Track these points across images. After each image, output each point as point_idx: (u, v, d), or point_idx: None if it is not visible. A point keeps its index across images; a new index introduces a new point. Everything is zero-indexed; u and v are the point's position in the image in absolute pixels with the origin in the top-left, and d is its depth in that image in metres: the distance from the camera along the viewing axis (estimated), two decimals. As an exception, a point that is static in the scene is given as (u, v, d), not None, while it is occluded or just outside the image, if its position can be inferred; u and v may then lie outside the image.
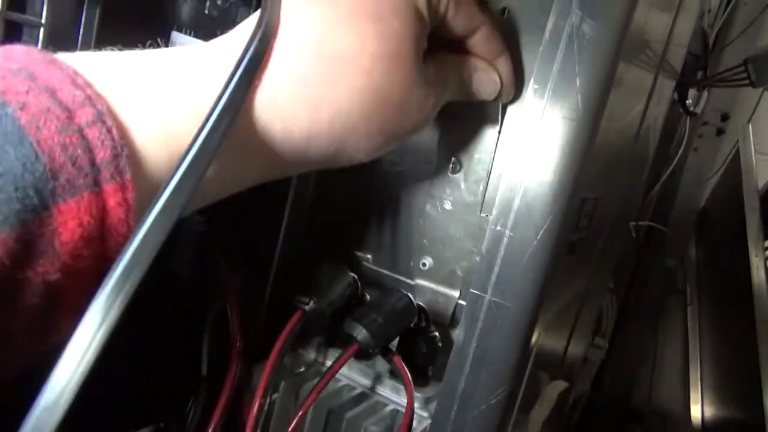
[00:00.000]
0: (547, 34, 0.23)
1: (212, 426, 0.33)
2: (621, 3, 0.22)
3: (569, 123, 0.23)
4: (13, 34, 0.24)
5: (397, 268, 0.37)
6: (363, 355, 0.32)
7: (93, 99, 0.19)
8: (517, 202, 0.23)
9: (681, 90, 0.86)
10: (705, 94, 0.90)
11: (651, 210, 1.49)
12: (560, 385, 0.38)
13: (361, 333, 0.32)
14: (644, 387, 1.76)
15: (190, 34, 0.41)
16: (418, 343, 0.36)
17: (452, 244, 0.34)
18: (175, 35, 0.40)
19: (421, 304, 0.38)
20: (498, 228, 0.24)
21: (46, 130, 0.17)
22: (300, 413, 0.30)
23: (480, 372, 0.25)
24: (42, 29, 0.24)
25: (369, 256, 0.46)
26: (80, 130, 0.18)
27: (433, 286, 0.34)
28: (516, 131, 0.27)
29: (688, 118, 1.06)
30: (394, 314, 0.35)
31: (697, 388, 1.68)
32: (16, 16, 0.23)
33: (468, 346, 0.25)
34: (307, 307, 0.35)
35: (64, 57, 0.20)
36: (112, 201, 0.18)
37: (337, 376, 0.34)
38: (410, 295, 0.38)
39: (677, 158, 1.09)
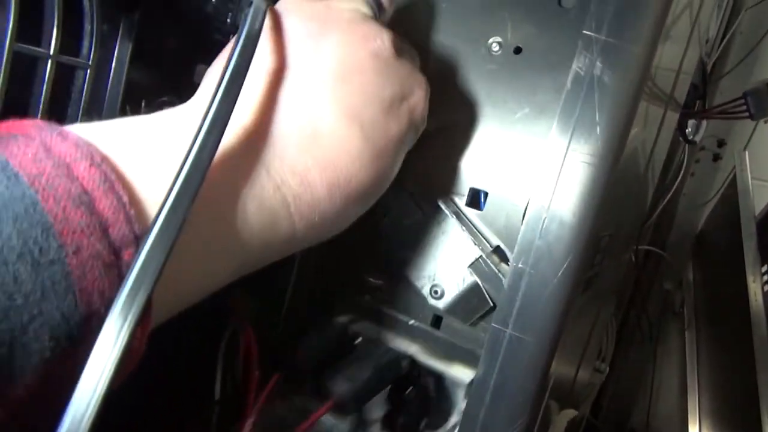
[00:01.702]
0: (569, 84, 0.25)
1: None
2: (639, 55, 0.23)
3: (590, 168, 0.24)
4: (64, 73, 0.25)
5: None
6: (340, 410, 0.32)
7: (137, 235, 0.18)
8: (537, 242, 0.25)
9: (682, 119, 0.88)
10: (704, 123, 0.92)
11: (649, 234, 1.50)
12: (570, 413, 0.39)
13: (341, 388, 0.32)
14: (642, 410, 1.76)
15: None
16: (411, 395, 0.37)
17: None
18: (201, 68, 0.41)
19: (412, 354, 0.39)
20: (519, 265, 0.26)
21: (90, 276, 0.17)
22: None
23: (500, 404, 0.26)
24: (89, 70, 0.26)
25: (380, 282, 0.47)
26: (119, 271, 0.18)
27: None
28: (538, 173, 0.29)
29: (687, 146, 1.08)
30: (377, 370, 0.34)
31: (695, 413, 1.68)
32: (66, 59, 0.25)
33: (489, 378, 0.26)
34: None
35: (99, 143, 0.20)
36: (137, 342, 0.19)
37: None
38: (396, 350, 0.38)
39: (676, 184, 1.11)
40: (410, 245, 0.44)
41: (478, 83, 0.42)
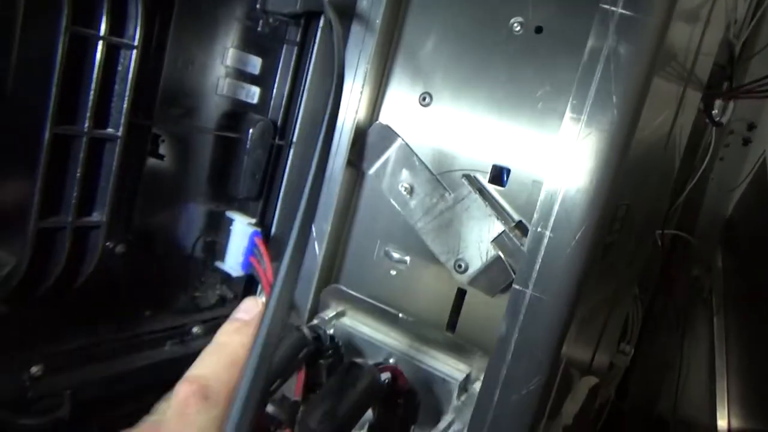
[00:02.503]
0: (585, 56, 0.26)
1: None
2: (654, 27, 0.24)
3: (606, 135, 0.25)
4: (112, 54, 0.28)
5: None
6: None
7: None
8: (556, 207, 0.26)
9: (707, 100, 0.87)
10: (731, 104, 0.91)
11: (676, 219, 1.49)
12: (591, 380, 0.40)
13: (320, 427, 0.31)
14: (669, 396, 1.75)
15: (244, 51, 0.45)
16: (394, 406, 0.36)
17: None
18: (233, 52, 0.44)
19: (394, 365, 0.38)
20: (539, 230, 0.27)
21: None
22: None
23: (521, 360, 0.27)
24: (135, 50, 0.28)
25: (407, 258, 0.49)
26: None
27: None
28: (556, 142, 0.30)
29: (714, 128, 1.07)
30: (356, 399, 0.33)
31: (724, 399, 1.66)
32: (116, 40, 0.27)
33: (510, 336, 0.28)
34: None
35: None
36: None
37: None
38: (372, 368, 0.37)
39: (703, 168, 1.10)
40: (434, 222, 0.46)
41: (500, 62, 0.44)
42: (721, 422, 1.68)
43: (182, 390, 0.26)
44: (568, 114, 0.28)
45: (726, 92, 0.81)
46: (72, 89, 0.28)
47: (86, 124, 0.27)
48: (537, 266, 0.27)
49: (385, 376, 0.36)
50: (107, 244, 0.37)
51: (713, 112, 0.89)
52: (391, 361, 0.39)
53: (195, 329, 0.46)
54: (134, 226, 0.39)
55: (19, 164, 0.28)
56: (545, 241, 0.27)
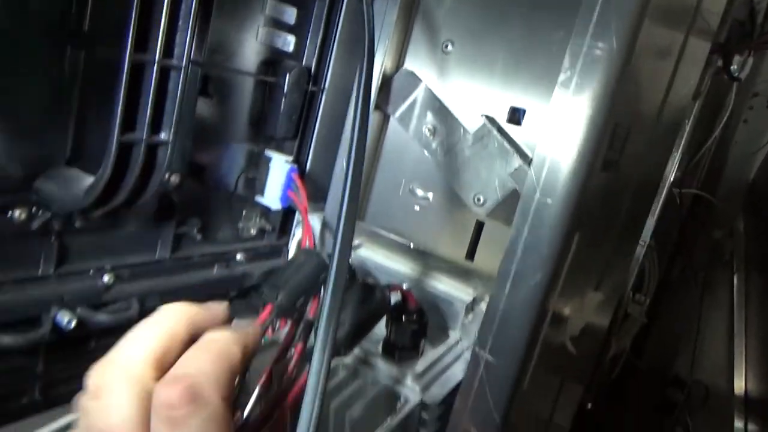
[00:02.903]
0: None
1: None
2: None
3: (605, 54, 0.29)
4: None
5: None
6: (282, 314, 0.35)
7: None
8: (559, 125, 0.30)
9: (726, 56, 0.89)
10: (750, 60, 0.92)
11: (699, 180, 1.49)
12: (598, 296, 0.44)
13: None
14: (687, 356, 1.78)
15: (281, 1, 0.49)
16: (404, 322, 0.40)
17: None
18: (271, 2, 0.48)
19: (403, 285, 0.42)
20: (543, 153, 0.31)
21: None
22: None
23: (529, 256, 0.32)
24: (182, 71, 0.33)
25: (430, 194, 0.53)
26: None
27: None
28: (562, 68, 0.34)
29: (735, 85, 1.08)
30: (366, 314, 0.37)
31: (741, 361, 1.69)
32: (168, 62, 0.31)
33: (520, 236, 0.32)
34: (277, 301, 0.36)
35: None
36: None
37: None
38: (382, 288, 0.40)
39: (722, 126, 1.11)
40: (455, 160, 0.50)
41: (517, 10, 0.47)
42: (739, 383, 1.70)
43: (163, 392, 0.22)
44: (570, 43, 0.31)
45: (744, 43, 0.82)
46: (145, 23, 0.33)
47: (157, 54, 0.32)
48: (543, 173, 0.32)
49: (396, 295, 0.40)
50: (165, 174, 0.42)
51: (732, 67, 0.90)
52: (404, 286, 0.44)
53: (238, 256, 0.51)
54: (187, 159, 0.44)
55: (104, 89, 0.32)
56: (549, 154, 0.31)
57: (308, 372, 0.28)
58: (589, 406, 1.21)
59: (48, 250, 0.37)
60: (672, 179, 0.94)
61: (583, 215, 0.33)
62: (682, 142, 0.91)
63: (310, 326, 0.37)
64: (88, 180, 0.35)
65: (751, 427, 1.66)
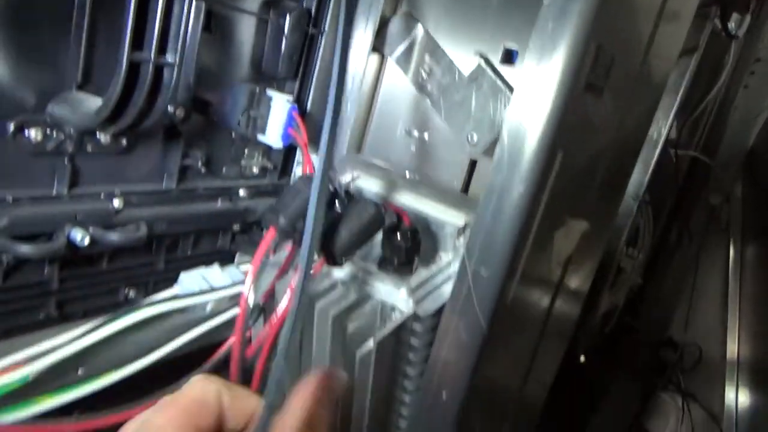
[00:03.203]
0: None
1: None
2: None
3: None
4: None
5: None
6: (332, 264, 0.39)
7: None
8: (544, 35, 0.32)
9: (723, 13, 0.89)
10: (748, 17, 0.93)
11: (698, 143, 1.49)
12: (583, 224, 0.46)
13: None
14: (681, 318, 1.81)
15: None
16: (399, 239, 0.42)
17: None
18: None
19: (397, 205, 0.44)
20: (527, 61, 0.33)
21: None
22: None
23: (514, 171, 0.34)
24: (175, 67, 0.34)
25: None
26: None
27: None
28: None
29: (734, 45, 1.09)
30: (359, 226, 0.40)
31: (735, 326, 1.72)
32: (162, 60, 0.33)
33: (504, 151, 0.34)
34: (279, 224, 0.39)
35: None
36: None
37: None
38: (376, 203, 0.42)
39: (720, 87, 1.12)
40: (448, 100, 0.52)
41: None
42: (731, 346, 1.74)
43: None
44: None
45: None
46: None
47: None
48: (528, 93, 0.34)
49: (391, 215, 0.42)
50: (169, 107, 0.44)
51: (729, 25, 0.91)
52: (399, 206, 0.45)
53: (241, 192, 0.53)
54: (192, 91, 0.45)
55: (112, 14, 0.34)
56: (532, 79, 0.33)
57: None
58: (582, 359, 1.24)
59: (61, 171, 0.39)
60: (667, 138, 0.96)
61: (564, 135, 0.35)
62: (677, 99, 0.92)
63: None
64: (98, 102, 0.37)
65: (742, 388, 1.70)
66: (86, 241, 0.39)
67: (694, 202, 1.70)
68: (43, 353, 0.37)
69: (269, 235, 0.39)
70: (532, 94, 0.34)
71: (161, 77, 0.37)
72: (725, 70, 1.11)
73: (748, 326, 1.69)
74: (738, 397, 1.66)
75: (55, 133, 0.38)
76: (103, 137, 0.40)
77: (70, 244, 0.39)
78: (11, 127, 0.36)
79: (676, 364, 1.75)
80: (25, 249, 0.36)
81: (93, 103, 0.37)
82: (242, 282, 0.51)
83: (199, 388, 0.28)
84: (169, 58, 0.37)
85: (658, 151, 0.93)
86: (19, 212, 0.37)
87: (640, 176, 0.94)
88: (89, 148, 0.40)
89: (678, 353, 1.76)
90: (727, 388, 1.66)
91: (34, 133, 0.37)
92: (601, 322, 1.18)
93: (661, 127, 0.94)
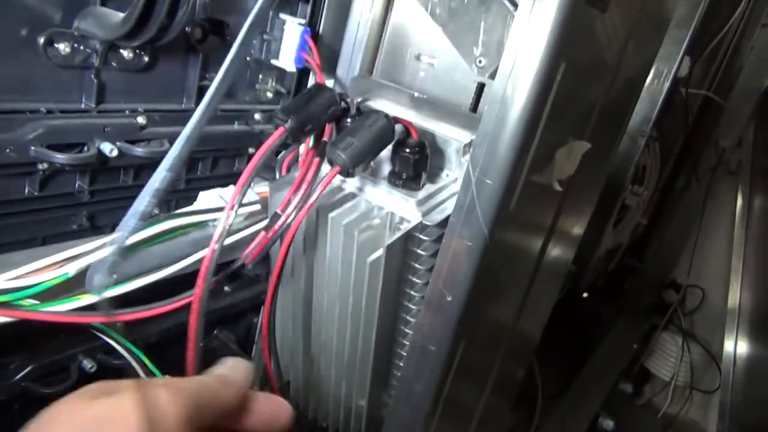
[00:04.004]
0: None
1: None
2: None
3: None
4: None
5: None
6: (345, 174, 0.40)
7: None
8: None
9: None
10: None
11: (711, 83, 1.47)
12: (584, 145, 0.48)
13: (339, 158, 0.39)
14: (686, 261, 1.84)
15: None
16: (407, 153, 0.43)
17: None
18: None
19: (406, 119, 0.45)
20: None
21: None
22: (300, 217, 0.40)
23: (517, 83, 0.36)
24: None
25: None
26: None
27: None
28: None
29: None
30: (371, 136, 0.41)
31: (738, 271, 1.74)
32: None
33: (509, 63, 0.36)
34: (287, 125, 0.40)
35: None
36: None
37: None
38: (386, 114, 0.44)
39: (732, 22, 1.10)
40: (459, 25, 0.53)
41: None
42: (734, 290, 1.77)
43: None
44: None
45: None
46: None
47: None
48: (532, 6, 0.35)
49: (399, 127, 0.44)
50: (186, 28, 0.46)
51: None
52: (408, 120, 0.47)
53: (256, 116, 0.55)
54: (208, 12, 0.47)
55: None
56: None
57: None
58: (585, 294, 1.28)
59: (89, 85, 0.42)
60: (676, 74, 0.95)
61: (567, 47, 0.37)
62: (689, 34, 0.91)
63: (324, 146, 0.42)
64: (120, 17, 0.39)
65: (742, 330, 1.74)
66: (114, 153, 0.42)
67: (704, 143, 1.69)
68: (80, 255, 0.40)
69: (277, 134, 0.41)
70: (535, 6, 0.35)
71: (180, -9, 0.39)
72: (740, 5, 1.09)
73: (752, 271, 1.71)
74: (737, 340, 1.70)
75: (82, 46, 0.40)
76: (126, 53, 0.42)
77: (100, 155, 0.42)
78: (41, 40, 0.38)
79: (679, 305, 1.78)
80: (60, 157, 0.39)
81: (116, 17, 0.39)
82: (256, 203, 0.53)
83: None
84: (188, -27, 0.38)
85: (666, 86, 0.93)
86: (53, 123, 0.39)
87: (647, 111, 0.94)
88: (113, 62, 0.42)
89: (681, 294, 1.79)
90: (727, 331, 1.69)
91: (62, 46, 0.39)
92: (605, 259, 1.21)
93: (673, 63, 0.93)
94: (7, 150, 0.37)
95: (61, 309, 0.39)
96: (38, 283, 0.37)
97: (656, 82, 0.94)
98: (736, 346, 1.68)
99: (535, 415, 1.12)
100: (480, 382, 0.59)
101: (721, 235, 1.80)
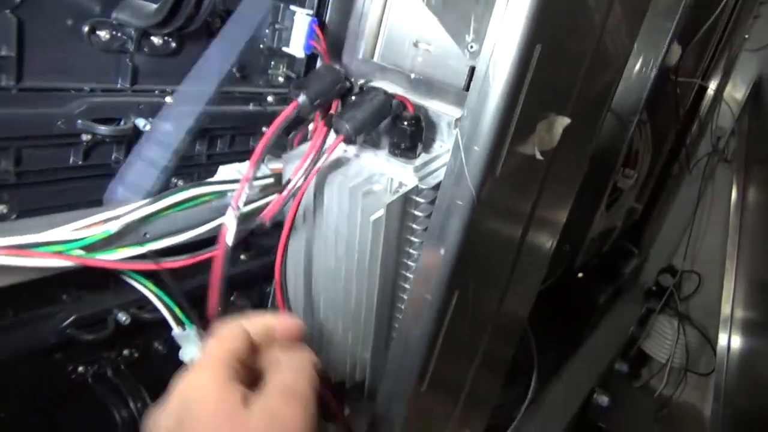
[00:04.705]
0: None
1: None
2: None
3: None
4: None
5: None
6: (348, 141, 0.47)
7: None
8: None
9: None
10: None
11: (704, 72, 1.51)
12: (565, 120, 0.54)
13: (343, 128, 0.46)
14: (682, 246, 1.89)
15: None
16: (404, 125, 0.49)
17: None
18: None
19: (402, 93, 0.51)
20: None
21: None
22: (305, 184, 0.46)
23: (498, 60, 0.41)
24: None
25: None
26: None
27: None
28: None
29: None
30: (371, 109, 0.48)
31: (734, 257, 1.78)
32: None
33: (490, 46, 0.42)
34: (299, 99, 0.47)
35: None
36: None
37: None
38: (385, 90, 0.50)
39: (718, 13, 1.14)
40: (453, 13, 0.58)
41: None
42: (728, 277, 1.81)
43: None
44: None
45: None
46: None
47: None
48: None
49: (396, 102, 0.50)
50: (208, 18, 0.51)
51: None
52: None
53: (269, 98, 0.61)
54: (224, 5, 0.53)
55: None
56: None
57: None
58: (580, 275, 1.33)
59: (124, 67, 0.48)
60: (663, 61, 1.00)
61: (543, 29, 0.42)
62: (674, 23, 0.96)
63: (331, 118, 0.48)
64: (151, 7, 0.45)
65: (737, 314, 1.78)
66: (147, 127, 0.48)
67: (698, 131, 1.74)
68: (119, 216, 0.46)
69: (290, 107, 0.47)
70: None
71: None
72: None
73: (747, 258, 1.75)
74: (732, 324, 1.74)
75: (119, 33, 0.46)
76: (156, 39, 0.48)
77: (135, 128, 0.48)
78: (86, 28, 0.44)
79: (675, 289, 1.83)
80: (102, 129, 0.45)
81: (149, 8, 0.45)
82: (270, 176, 0.59)
83: (228, 336, 0.37)
84: (212, -35, 0.44)
85: (654, 73, 0.98)
86: (95, 100, 0.45)
87: (636, 96, 1.00)
88: (145, 48, 0.48)
89: (677, 278, 1.84)
90: (722, 315, 1.73)
91: (103, 34, 0.45)
92: (599, 240, 1.26)
93: (660, 50, 0.98)
94: (59, 122, 0.43)
95: (106, 258, 0.45)
96: (85, 237, 0.43)
97: (644, 69, 1.00)
98: (731, 331, 1.73)
99: (529, 389, 1.17)
100: (469, 354, 0.64)
101: (717, 221, 1.85)
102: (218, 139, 0.58)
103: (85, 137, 0.46)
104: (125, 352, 0.61)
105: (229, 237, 0.46)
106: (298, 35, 0.60)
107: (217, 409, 0.32)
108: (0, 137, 0.42)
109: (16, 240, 0.39)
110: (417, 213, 0.50)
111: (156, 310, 0.55)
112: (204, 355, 0.36)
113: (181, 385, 0.35)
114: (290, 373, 0.36)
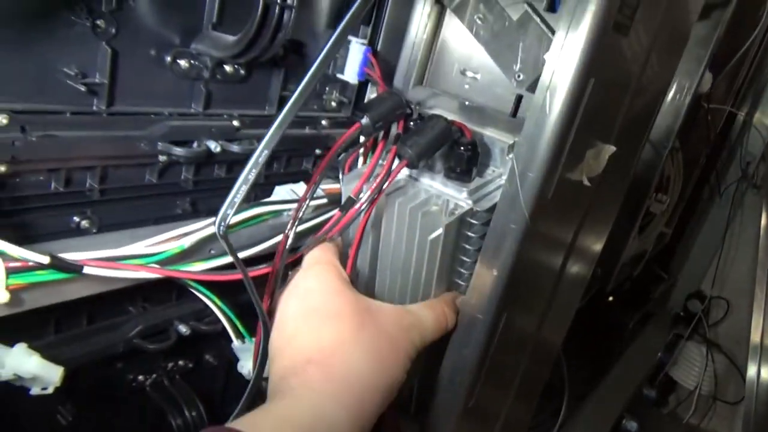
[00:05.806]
0: None
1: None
2: None
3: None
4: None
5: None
6: (411, 166, 0.50)
7: None
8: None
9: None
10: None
11: (735, 98, 1.52)
12: (611, 148, 0.56)
13: (407, 153, 0.49)
14: (711, 272, 1.87)
15: None
16: (462, 150, 0.52)
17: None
18: None
19: (458, 120, 0.55)
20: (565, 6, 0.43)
21: None
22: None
23: (554, 93, 0.44)
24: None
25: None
26: None
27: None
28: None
29: (770, 0, 1.13)
30: (433, 135, 0.51)
31: (763, 283, 1.76)
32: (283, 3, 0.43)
33: (548, 77, 0.44)
34: (363, 121, 0.50)
35: None
36: None
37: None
38: (446, 117, 0.53)
39: (752, 40, 1.16)
40: (499, 43, 0.61)
41: None
42: (758, 302, 1.80)
43: None
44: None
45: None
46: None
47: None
48: (568, 30, 0.43)
49: (456, 128, 0.53)
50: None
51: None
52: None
53: (323, 122, 0.64)
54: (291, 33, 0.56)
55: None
56: (570, 19, 0.43)
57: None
58: (611, 298, 1.34)
59: (198, 94, 0.51)
60: (696, 88, 1.02)
61: (596, 66, 0.44)
62: (708, 52, 0.98)
63: (397, 138, 0.51)
64: (229, 39, 0.48)
65: (766, 342, 1.76)
66: (218, 149, 0.51)
67: (728, 157, 1.74)
68: (192, 232, 0.49)
69: (353, 128, 0.50)
70: (569, 32, 0.43)
71: (282, 17, 0.48)
72: (760, 24, 1.16)
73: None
74: (762, 351, 1.71)
75: (197, 62, 0.49)
76: (228, 67, 0.51)
77: (207, 151, 0.51)
78: (168, 57, 0.47)
79: (704, 315, 1.82)
80: (178, 150, 0.48)
81: (226, 39, 0.48)
82: (323, 197, 0.62)
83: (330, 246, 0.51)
84: (289, 0, 0.47)
85: (688, 100, 1.00)
86: (173, 123, 0.49)
87: (670, 123, 1.01)
88: (218, 75, 0.51)
89: (705, 304, 1.83)
90: (751, 342, 1.71)
91: (183, 62, 0.48)
92: (631, 264, 1.27)
93: (694, 78, 1.00)
94: (142, 144, 0.47)
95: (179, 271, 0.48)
96: (162, 251, 0.46)
97: (678, 97, 1.01)
98: (761, 359, 1.70)
99: (560, 413, 1.17)
100: (510, 376, 0.66)
101: (746, 247, 1.84)
102: (275, 161, 0.61)
103: (162, 158, 0.49)
104: (181, 362, 0.64)
105: (285, 254, 0.49)
106: (353, 63, 0.63)
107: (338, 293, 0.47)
108: (89, 156, 0.45)
109: (106, 253, 0.42)
110: (470, 234, 0.52)
111: (213, 322, 0.58)
112: (309, 259, 0.51)
113: (297, 278, 0.50)
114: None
